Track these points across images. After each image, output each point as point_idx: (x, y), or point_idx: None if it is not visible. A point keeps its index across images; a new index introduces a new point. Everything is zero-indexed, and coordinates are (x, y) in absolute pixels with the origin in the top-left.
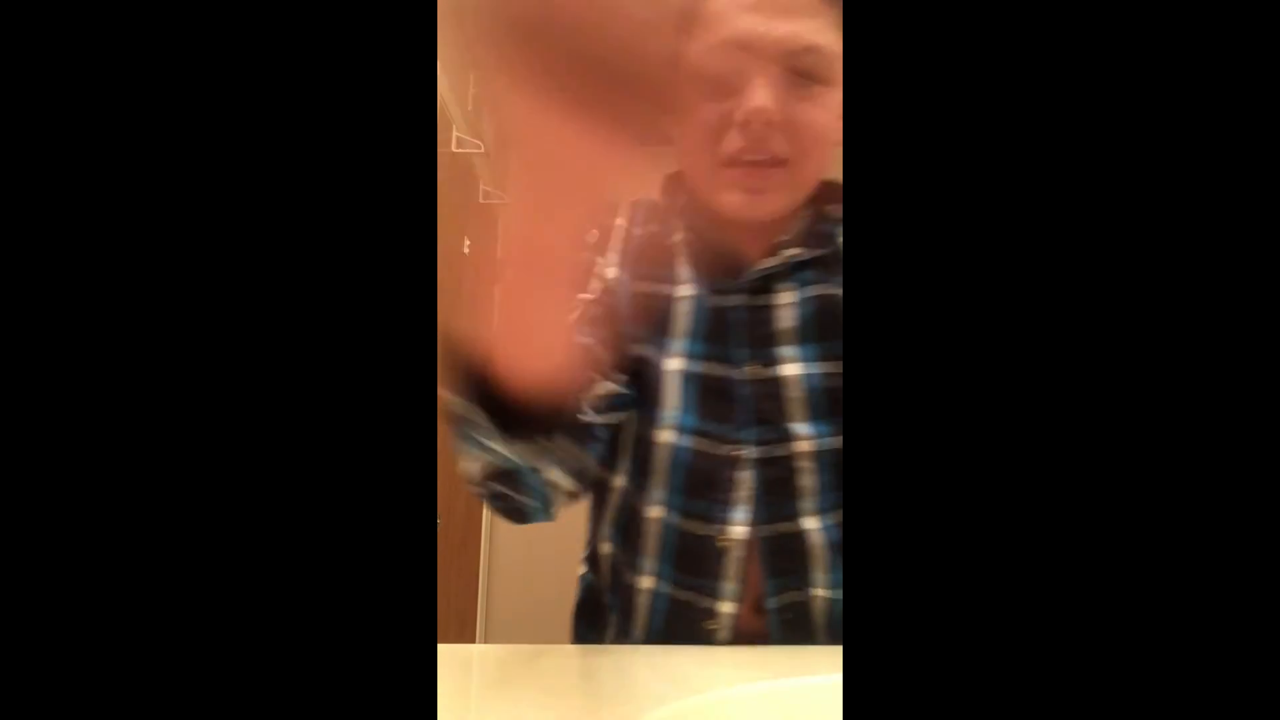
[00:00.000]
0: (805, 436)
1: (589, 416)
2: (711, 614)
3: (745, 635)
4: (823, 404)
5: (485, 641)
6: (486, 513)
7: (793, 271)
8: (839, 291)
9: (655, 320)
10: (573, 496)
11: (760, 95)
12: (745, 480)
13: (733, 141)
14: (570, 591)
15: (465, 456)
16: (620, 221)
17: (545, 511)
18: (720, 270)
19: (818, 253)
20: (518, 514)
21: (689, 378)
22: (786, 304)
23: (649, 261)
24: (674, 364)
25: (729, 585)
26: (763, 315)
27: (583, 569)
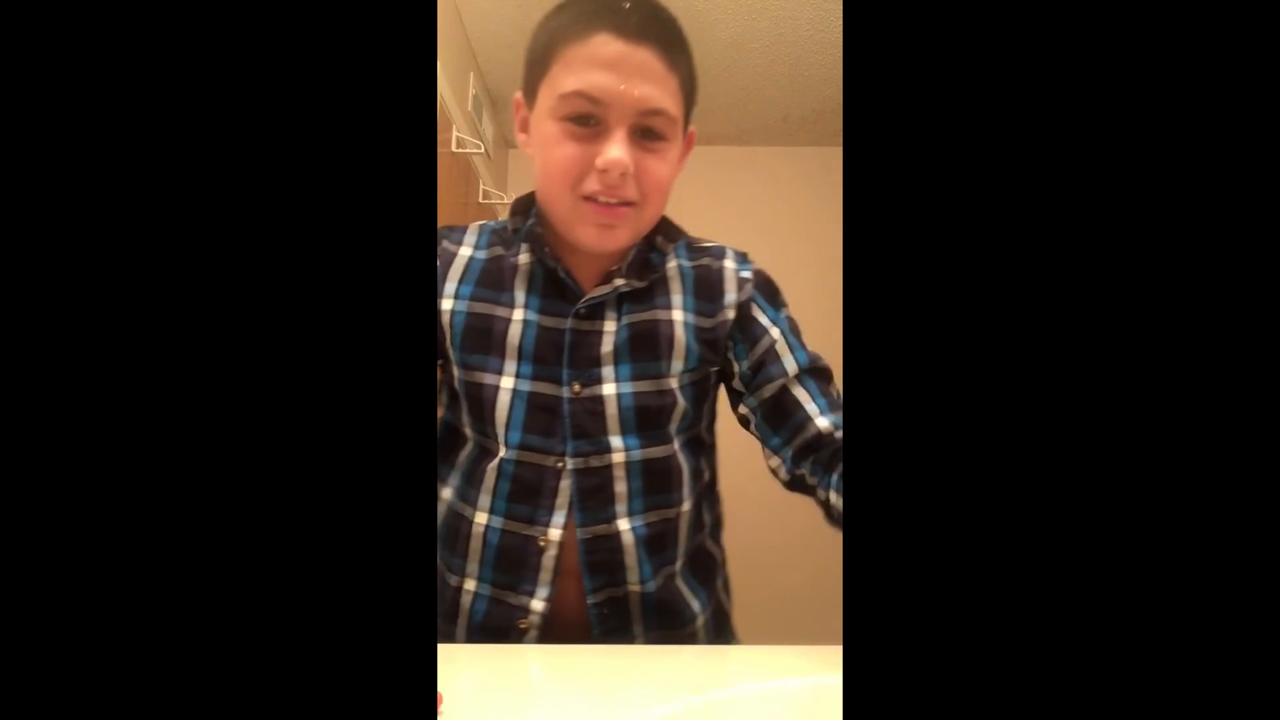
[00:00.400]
0: (619, 449)
1: None
2: (525, 612)
3: (564, 631)
4: (632, 420)
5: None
6: None
7: (618, 300)
8: (657, 316)
9: (490, 342)
10: None
11: (619, 148)
12: (565, 488)
13: (591, 183)
14: None
15: None
16: (465, 250)
17: None
18: (554, 295)
19: (642, 283)
20: None
21: (519, 395)
22: (609, 330)
23: (490, 285)
24: (506, 383)
25: (543, 587)
26: (589, 339)
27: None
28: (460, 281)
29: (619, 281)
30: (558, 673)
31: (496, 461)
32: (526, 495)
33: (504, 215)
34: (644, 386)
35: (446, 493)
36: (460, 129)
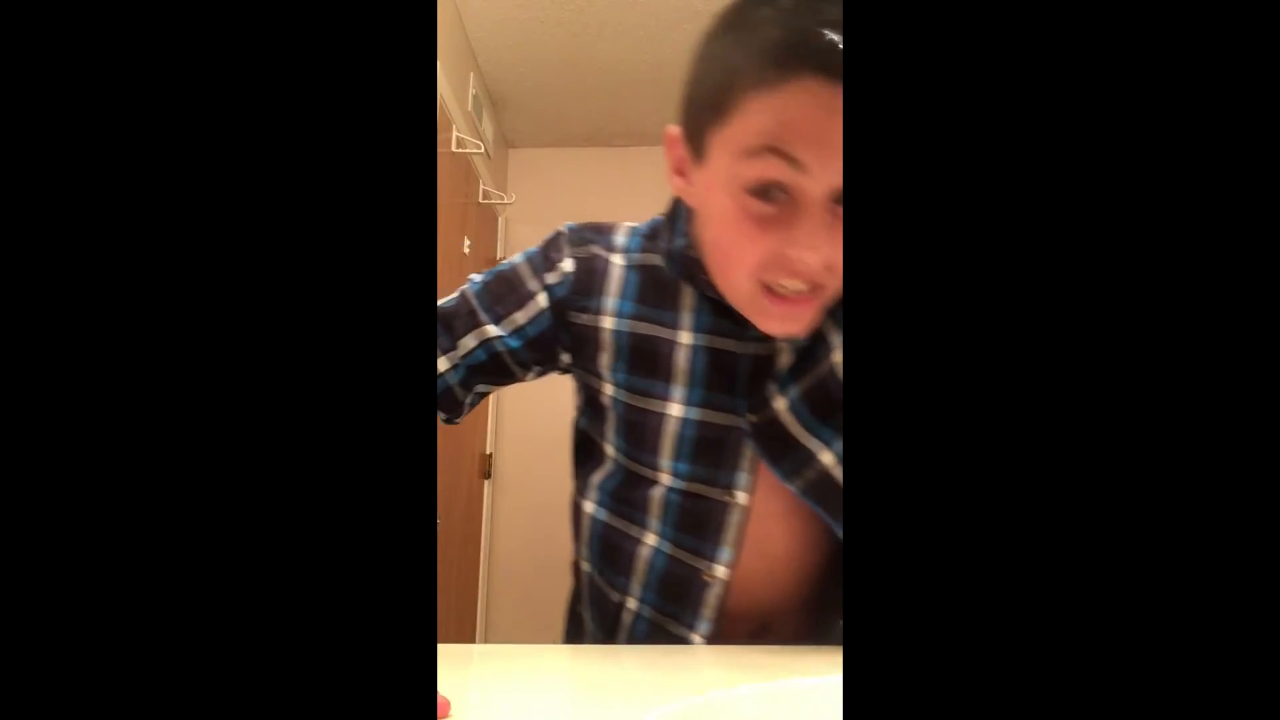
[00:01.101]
0: (824, 447)
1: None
2: (686, 643)
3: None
4: (815, 424)
5: (485, 641)
6: (486, 513)
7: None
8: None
9: (656, 365)
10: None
11: (813, 252)
12: (734, 524)
13: (778, 275)
14: (569, 592)
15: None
16: (617, 259)
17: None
18: (721, 315)
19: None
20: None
21: (688, 424)
22: (783, 351)
23: (651, 302)
24: (675, 410)
25: (705, 622)
26: (763, 364)
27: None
28: (620, 297)
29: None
30: (558, 673)
31: (661, 491)
32: (694, 526)
33: (504, 215)
34: (809, 390)
35: (590, 507)
36: (460, 129)
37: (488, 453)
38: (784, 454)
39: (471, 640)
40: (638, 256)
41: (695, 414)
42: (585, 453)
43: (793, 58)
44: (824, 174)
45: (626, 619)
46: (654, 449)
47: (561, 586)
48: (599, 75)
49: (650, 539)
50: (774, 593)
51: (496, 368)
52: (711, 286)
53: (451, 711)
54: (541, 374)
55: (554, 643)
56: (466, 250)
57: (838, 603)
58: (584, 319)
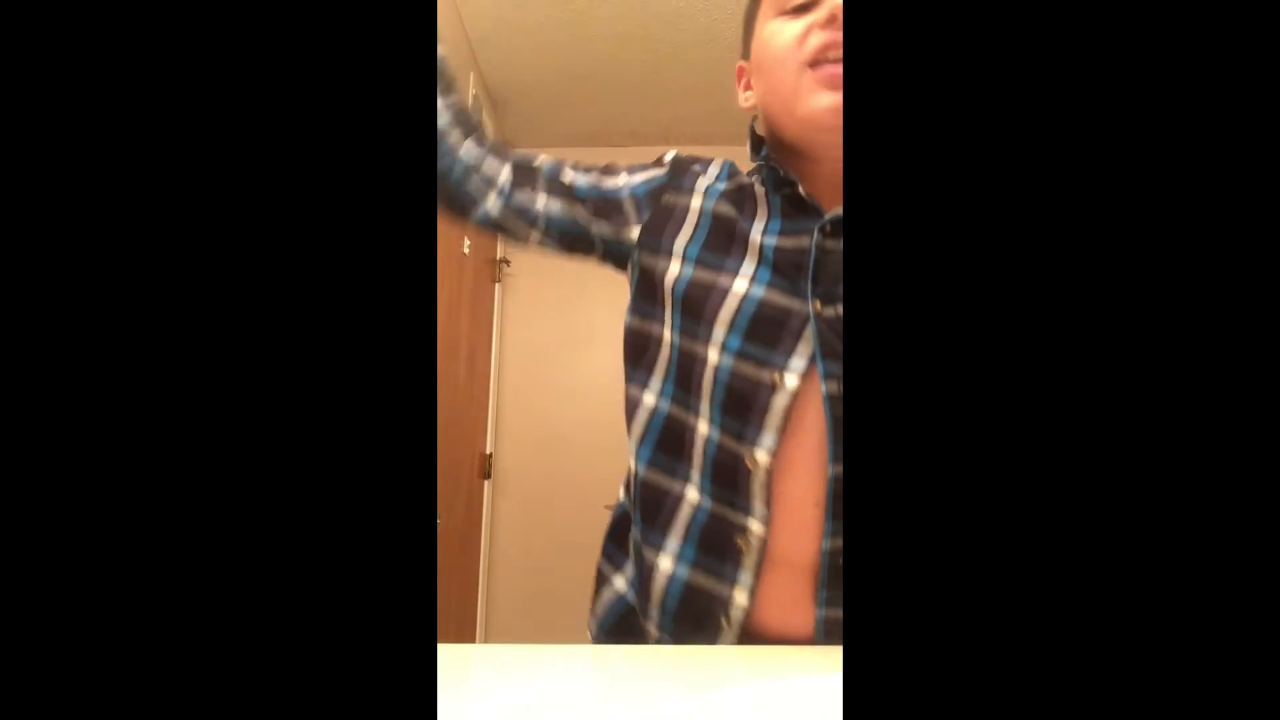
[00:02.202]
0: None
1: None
2: (743, 530)
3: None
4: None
5: (485, 641)
6: (486, 513)
7: None
8: None
9: (731, 244)
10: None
11: (835, 3)
12: (779, 408)
13: (815, 40)
14: (570, 591)
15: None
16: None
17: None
18: (796, 214)
19: None
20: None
21: (749, 300)
22: None
23: (732, 204)
24: (740, 285)
25: (760, 505)
26: (833, 258)
27: (621, 495)
28: (708, 187)
29: None
30: (558, 673)
31: (710, 368)
32: (740, 409)
33: None
34: None
35: (648, 398)
36: None
37: (488, 453)
38: (839, 355)
39: (471, 640)
40: (726, 180)
41: (760, 292)
42: (639, 348)
43: None
44: None
45: (685, 511)
46: (711, 320)
47: (562, 586)
48: (599, 76)
49: (703, 426)
50: (810, 480)
51: (565, 196)
52: (792, 183)
53: (452, 711)
54: (608, 244)
55: (557, 642)
56: (466, 250)
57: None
58: (673, 197)
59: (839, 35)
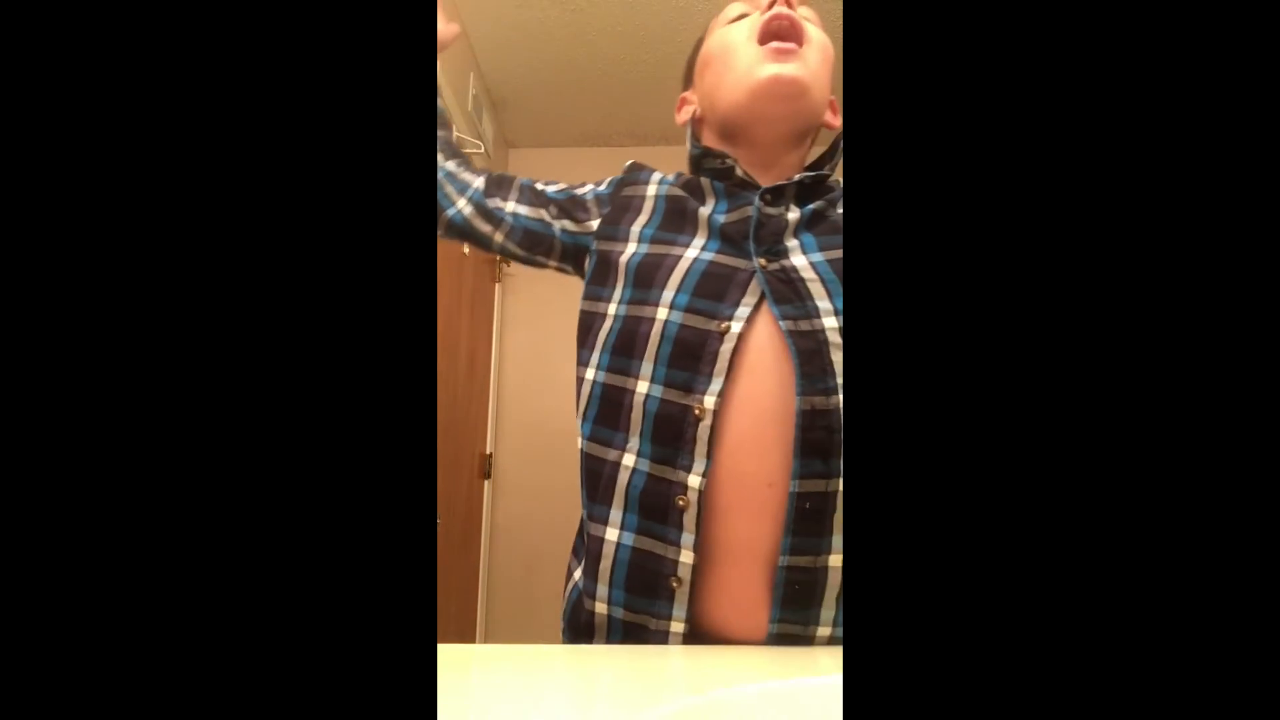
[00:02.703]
0: (831, 312)
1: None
2: (683, 489)
3: (735, 514)
4: (837, 286)
5: (485, 641)
6: (486, 513)
7: (798, 192)
8: (836, 210)
9: (681, 223)
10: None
11: (779, 4)
12: (725, 353)
13: (763, 30)
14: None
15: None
16: (651, 190)
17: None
18: (738, 191)
19: (825, 174)
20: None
21: (698, 263)
22: (792, 215)
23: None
24: (690, 253)
25: (700, 460)
26: (774, 221)
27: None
28: (658, 183)
29: (798, 175)
30: (558, 673)
31: (658, 325)
32: (687, 360)
33: None
34: (834, 256)
35: (590, 373)
36: (460, 129)
37: (488, 453)
38: (789, 299)
39: (471, 640)
40: (677, 178)
41: (709, 256)
42: (586, 328)
43: None
44: None
45: (623, 476)
46: (661, 285)
47: (562, 586)
48: (599, 76)
49: (643, 386)
50: (759, 431)
51: (533, 201)
52: (723, 157)
53: (451, 711)
54: (566, 242)
55: (557, 642)
56: (466, 250)
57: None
58: (630, 190)
59: (784, 11)
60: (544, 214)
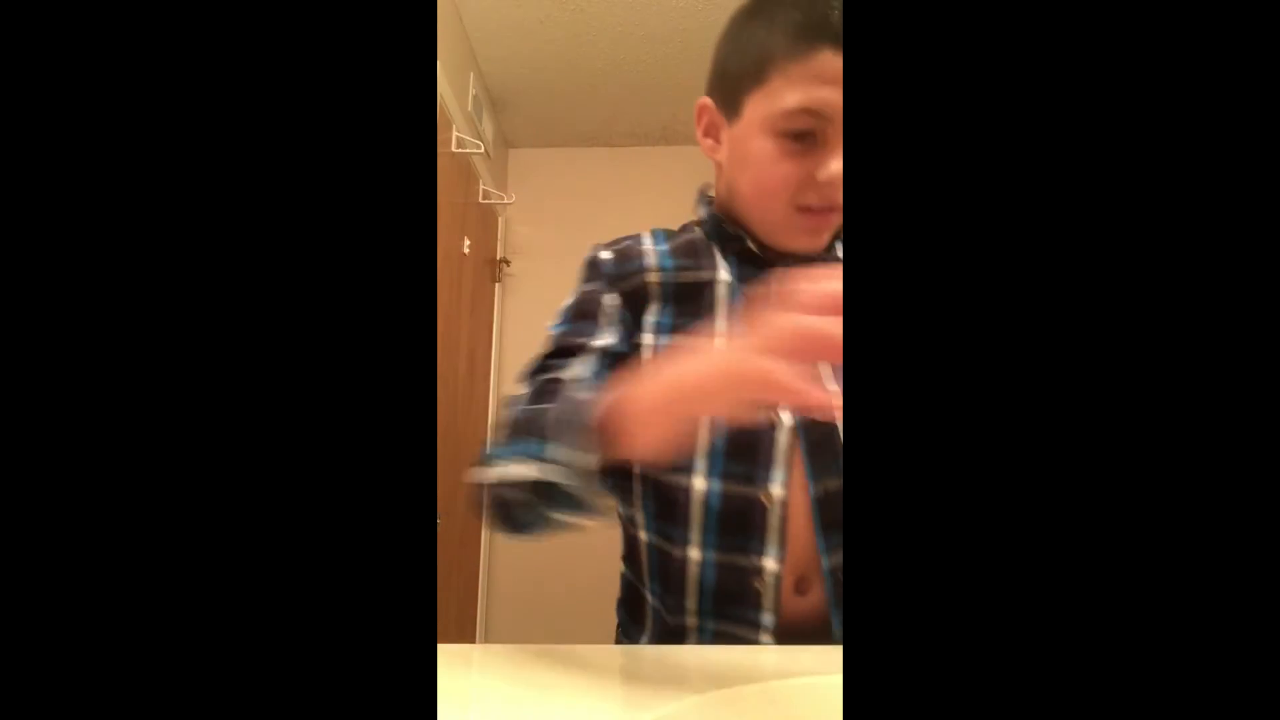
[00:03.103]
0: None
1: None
2: (759, 572)
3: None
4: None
5: (485, 641)
6: None
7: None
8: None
9: (699, 306)
10: (567, 526)
11: (839, 162)
12: (783, 444)
13: (809, 196)
14: (570, 592)
15: (486, 466)
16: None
17: (531, 529)
18: (753, 267)
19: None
20: (514, 525)
21: None
22: None
23: (688, 254)
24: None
25: (773, 546)
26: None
27: (622, 567)
28: (659, 254)
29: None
30: (558, 673)
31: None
32: (744, 455)
33: (504, 215)
34: None
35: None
36: (460, 129)
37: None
38: (821, 453)
39: (471, 640)
40: (666, 240)
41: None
42: None
43: (815, 35)
44: (840, 119)
45: (693, 571)
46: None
47: (562, 586)
48: (599, 75)
49: (700, 483)
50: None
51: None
52: (739, 238)
53: (451, 711)
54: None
55: (557, 642)
56: (466, 250)
57: None
58: (632, 281)
59: (833, 194)
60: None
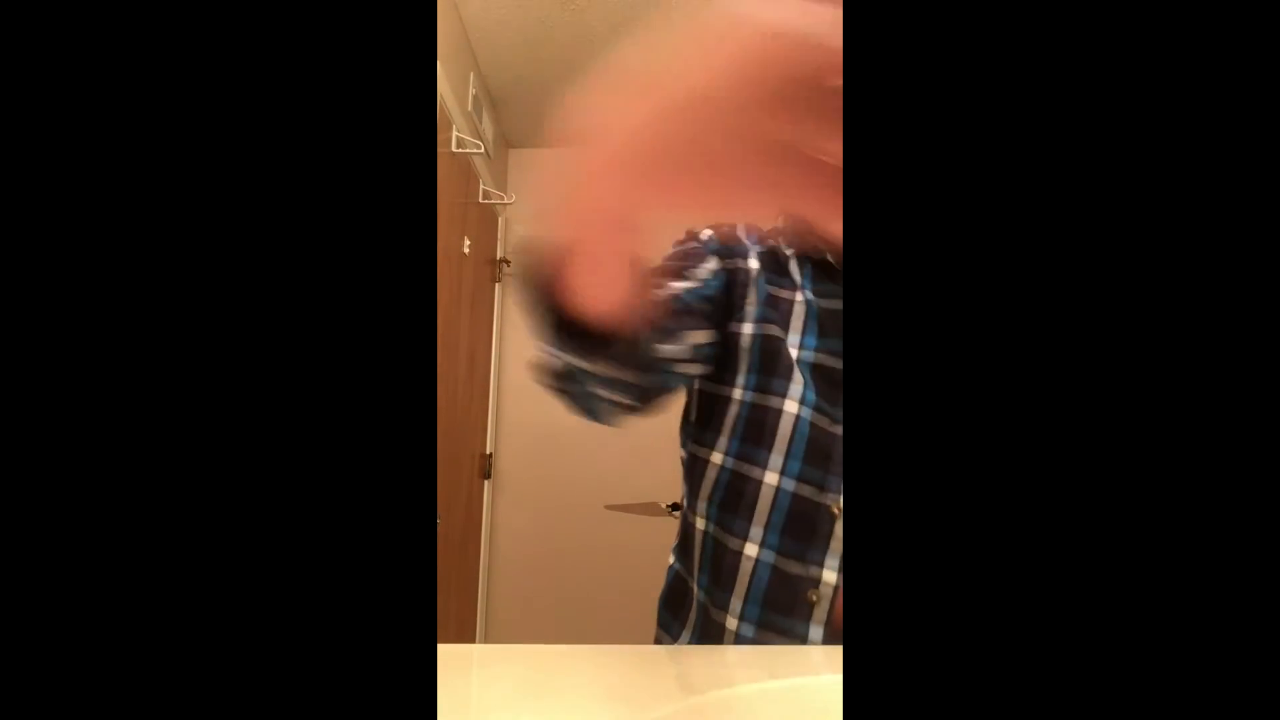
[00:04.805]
0: None
1: (653, 349)
2: (816, 583)
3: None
4: None
5: (485, 641)
6: (486, 513)
7: None
8: None
9: (778, 315)
10: (630, 410)
11: None
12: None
13: None
14: (570, 592)
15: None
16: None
17: (596, 415)
18: (826, 279)
19: None
20: (579, 410)
21: (804, 364)
22: None
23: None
24: (793, 352)
25: (834, 555)
26: None
27: (671, 559)
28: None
29: None
30: (558, 673)
31: (790, 418)
32: (818, 458)
33: (504, 215)
34: None
35: (717, 457)
36: (460, 129)
37: (488, 453)
38: None
39: (471, 640)
40: (756, 241)
41: (809, 356)
42: (708, 409)
43: None
44: None
45: (746, 567)
46: (787, 374)
47: (562, 587)
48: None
49: (772, 478)
50: None
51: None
52: (820, 252)
53: (452, 711)
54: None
55: (557, 641)
56: (466, 250)
57: None
58: (735, 263)
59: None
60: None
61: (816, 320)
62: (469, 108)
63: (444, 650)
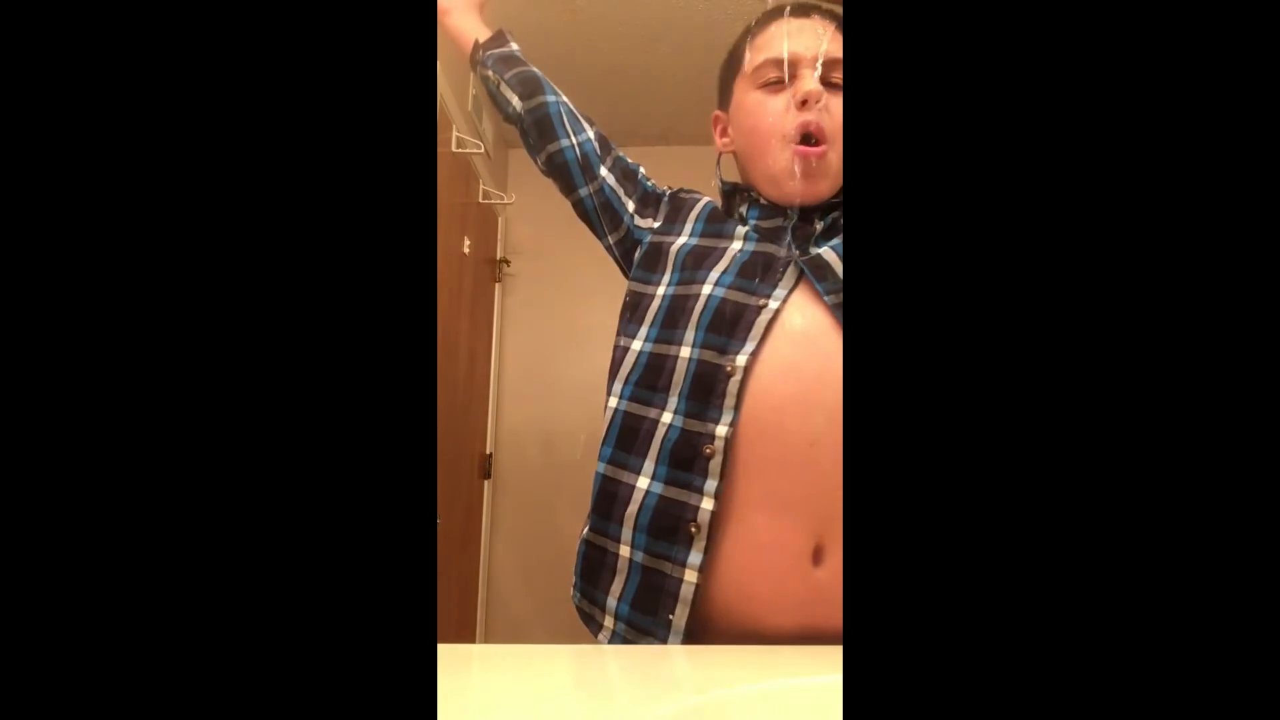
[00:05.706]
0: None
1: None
2: (711, 439)
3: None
4: None
5: (485, 641)
6: (486, 513)
7: (822, 209)
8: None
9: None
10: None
11: (810, 81)
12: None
13: (793, 119)
14: (569, 592)
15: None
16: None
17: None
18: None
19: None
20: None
21: (740, 255)
22: (818, 224)
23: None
24: (735, 245)
25: (729, 412)
26: (802, 229)
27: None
28: (703, 203)
29: (828, 202)
30: (558, 673)
31: (703, 300)
32: (725, 328)
33: (504, 215)
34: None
35: (636, 344)
36: (460, 129)
37: (488, 453)
38: (827, 277)
39: (471, 640)
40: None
41: (750, 248)
42: (634, 305)
43: (769, 16)
44: (803, 60)
45: (659, 432)
46: (709, 268)
47: (562, 586)
48: (599, 77)
49: (685, 350)
50: (802, 392)
51: (624, 177)
52: (749, 189)
53: (452, 711)
54: (631, 230)
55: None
56: (466, 250)
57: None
58: (684, 196)
59: (814, 107)
60: (627, 196)
61: (756, 233)
62: (469, 108)
63: (444, 650)
